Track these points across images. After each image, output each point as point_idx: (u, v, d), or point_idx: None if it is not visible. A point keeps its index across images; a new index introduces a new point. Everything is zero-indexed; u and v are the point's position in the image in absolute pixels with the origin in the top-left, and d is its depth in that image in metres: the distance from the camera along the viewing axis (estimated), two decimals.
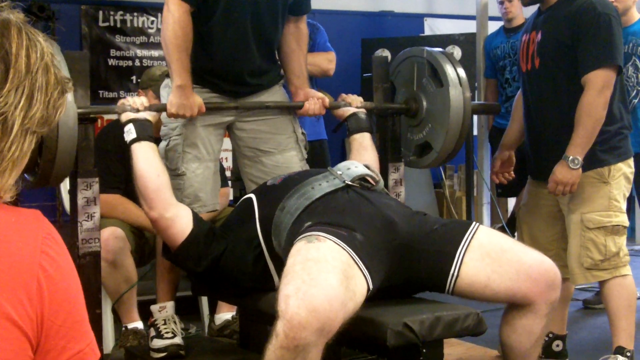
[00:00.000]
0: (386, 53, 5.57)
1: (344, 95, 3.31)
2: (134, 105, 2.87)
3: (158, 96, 3.55)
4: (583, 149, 3.17)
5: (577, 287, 4.61)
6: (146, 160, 2.79)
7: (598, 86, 3.12)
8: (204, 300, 3.97)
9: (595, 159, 3.22)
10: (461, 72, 3.27)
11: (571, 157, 3.15)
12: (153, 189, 2.76)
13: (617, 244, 3.23)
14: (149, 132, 2.85)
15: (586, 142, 3.17)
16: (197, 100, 2.94)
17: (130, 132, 2.82)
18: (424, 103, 3.34)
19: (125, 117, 2.86)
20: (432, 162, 3.41)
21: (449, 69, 3.25)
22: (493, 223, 5.72)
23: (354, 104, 3.27)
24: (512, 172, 3.65)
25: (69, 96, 2.40)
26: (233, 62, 3.12)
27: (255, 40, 3.12)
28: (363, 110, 3.28)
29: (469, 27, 6.28)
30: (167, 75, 3.12)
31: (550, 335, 3.48)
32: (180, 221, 2.75)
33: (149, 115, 2.89)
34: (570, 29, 3.20)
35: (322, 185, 2.65)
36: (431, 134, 3.33)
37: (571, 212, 3.27)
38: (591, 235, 3.22)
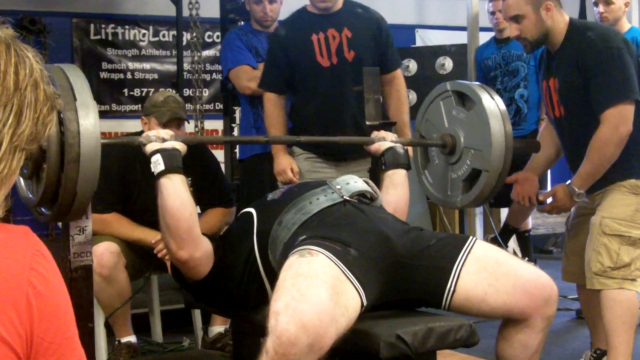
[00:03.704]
0: None
1: (376, 131, 3.19)
2: (160, 135, 2.65)
3: (161, 122, 3.57)
4: (587, 183, 3.20)
5: (570, 297, 4.64)
6: (177, 196, 2.55)
7: (613, 124, 3.08)
8: (197, 313, 3.97)
9: (632, 171, 3.19)
10: (492, 93, 3.14)
11: (577, 191, 3.20)
12: (185, 228, 2.56)
13: (631, 256, 3.15)
14: (179, 163, 2.59)
15: (591, 177, 3.19)
16: (283, 161, 3.83)
17: (157, 164, 2.56)
18: (460, 133, 3.16)
19: (150, 147, 2.61)
20: (484, 187, 3.08)
21: (475, 88, 3.14)
22: (486, 234, 5.72)
23: (388, 138, 3.10)
24: (534, 198, 3.53)
25: (91, 124, 2.33)
26: (329, 112, 3.84)
27: (345, 105, 3.81)
28: (400, 144, 3.10)
29: (460, 38, 6.29)
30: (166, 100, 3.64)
31: (598, 352, 3.43)
32: (207, 258, 2.65)
33: (177, 145, 2.63)
34: (580, 73, 3.16)
35: (320, 200, 2.64)
36: (476, 158, 3.11)
37: (595, 213, 3.24)
38: (605, 241, 3.16)
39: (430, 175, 3.40)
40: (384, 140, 3.09)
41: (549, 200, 3.44)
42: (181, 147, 2.65)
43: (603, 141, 3.11)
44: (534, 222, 5.98)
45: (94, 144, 2.36)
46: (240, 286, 2.67)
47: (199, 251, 2.61)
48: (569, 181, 3.26)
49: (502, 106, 3.09)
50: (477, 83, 3.31)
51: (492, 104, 3.08)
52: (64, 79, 2.38)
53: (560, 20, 3.25)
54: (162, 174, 2.56)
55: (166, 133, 2.68)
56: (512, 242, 5.68)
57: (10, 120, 1.13)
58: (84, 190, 2.38)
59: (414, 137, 3.46)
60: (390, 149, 3.05)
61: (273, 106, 3.89)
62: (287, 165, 3.82)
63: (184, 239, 2.57)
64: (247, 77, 4.32)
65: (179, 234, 2.56)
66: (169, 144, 2.61)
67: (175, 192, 2.56)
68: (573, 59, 3.19)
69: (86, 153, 2.34)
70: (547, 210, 3.38)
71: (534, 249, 5.84)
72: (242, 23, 4.85)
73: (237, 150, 4.91)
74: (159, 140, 2.63)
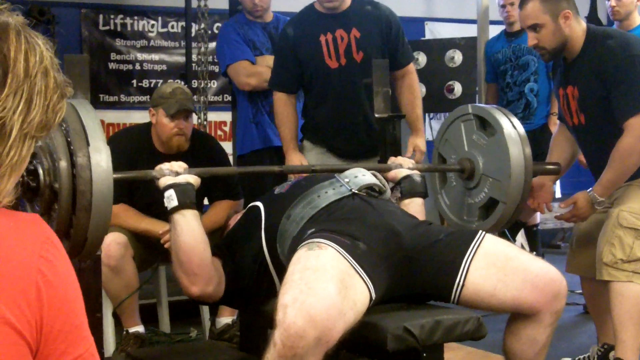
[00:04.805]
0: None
1: (392, 157, 3.17)
2: (173, 169, 2.64)
3: (168, 114, 3.57)
4: (609, 191, 3.19)
5: (577, 291, 4.63)
6: (191, 232, 2.55)
7: (637, 133, 3.06)
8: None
9: None
10: (514, 120, 3.10)
11: (599, 199, 3.18)
12: (198, 263, 2.56)
13: None
14: (192, 198, 2.58)
15: (614, 185, 3.18)
16: (294, 159, 3.83)
17: (171, 199, 2.55)
18: (479, 159, 3.13)
19: (164, 181, 2.59)
20: (501, 217, 3.06)
21: (498, 115, 3.10)
22: None
23: (405, 165, 3.05)
24: (550, 205, 3.51)
25: (104, 170, 2.31)
26: (342, 113, 3.84)
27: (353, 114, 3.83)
28: (417, 171, 3.04)
29: (470, 31, 6.28)
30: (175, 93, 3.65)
31: (606, 347, 3.42)
32: (220, 285, 2.65)
33: (190, 178, 2.62)
34: (601, 81, 3.14)
35: (329, 193, 2.63)
36: (494, 187, 3.08)
37: (613, 206, 3.23)
38: (620, 233, 3.15)
39: (447, 197, 3.37)
40: (400, 168, 3.05)
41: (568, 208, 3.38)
42: (194, 180, 2.64)
43: (626, 150, 3.10)
44: (542, 216, 5.96)
45: (106, 191, 2.34)
46: (249, 281, 2.67)
47: (211, 285, 2.61)
48: (590, 189, 3.24)
49: (522, 130, 3.07)
50: (497, 107, 3.26)
51: (514, 132, 3.05)
52: (76, 121, 2.35)
53: (577, 28, 3.22)
54: (175, 209, 2.55)
55: (179, 166, 2.67)
56: (520, 237, 5.68)
57: (20, 108, 1.12)
58: (95, 236, 2.38)
59: (430, 153, 3.42)
60: (408, 177, 3.00)
61: (283, 106, 3.88)
62: (298, 162, 3.83)
63: (197, 274, 2.57)
64: (246, 73, 4.28)
65: (192, 269, 2.56)
66: (182, 178, 2.60)
67: (189, 228, 2.55)
68: (593, 67, 3.17)
69: (98, 201, 2.32)
70: (567, 219, 3.33)
71: (541, 243, 5.83)
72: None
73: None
74: (172, 173, 2.62)
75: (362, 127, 3.82)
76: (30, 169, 2.31)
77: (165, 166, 2.66)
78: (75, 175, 2.29)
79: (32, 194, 2.31)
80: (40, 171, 2.30)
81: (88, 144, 2.31)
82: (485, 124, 3.16)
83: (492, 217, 3.10)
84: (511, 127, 3.05)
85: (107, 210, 2.36)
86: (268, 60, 4.17)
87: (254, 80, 4.22)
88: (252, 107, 4.37)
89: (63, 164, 2.28)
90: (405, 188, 2.99)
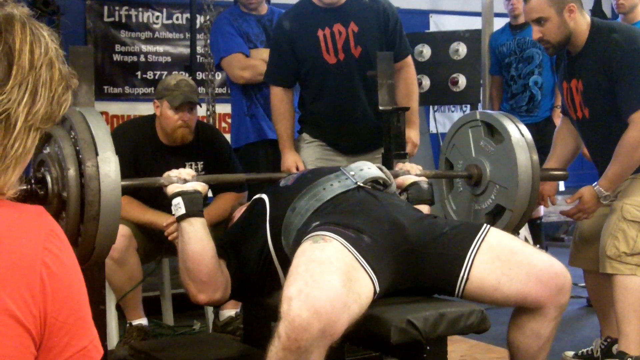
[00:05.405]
0: None
1: (400, 164, 3.14)
2: (181, 176, 2.65)
3: (173, 106, 3.57)
4: (614, 185, 3.19)
5: (581, 285, 4.63)
6: (199, 240, 2.56)
7: None
8: None
9: None
10: (522, 127, 3.12)
11: (605, 193, 3.18)
12: (206, 272, 2.57)
13: None
14: (199, 207, 2.60)
15: (619, 179, 3.18)
16: (289, 159, 3.73)
17: (178, 207, 2.57)
18: (487, 166, 3.15)
19: (172, 189, 2.61)
20: (508, 224, 3.07)
21: (506, 122, 3.11)
22: None
23: (412, 172, 3.04)
24: (554, 198, 3.53)
25: (112, 180, 2.31)
26: (340, 109, 3.76)
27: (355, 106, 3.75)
28: (424, 178, 3.03)
29: (475, 23, 6.26)
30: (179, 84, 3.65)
31: (609, 340, 3.43)
32: (226, 291, 2.67)
33: (198, 186, 2.63)
34: (606, 75, 3.14)
35: (334, 186, 2.63)
36: (501, 195, 3.10)
37: (617, 200, 3.24)
38: (624, 226, 3.17)
39: (454, 202, 3.38)
40: (408, 174, 3.03)
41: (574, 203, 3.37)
42: (202, 188, 2.66)
43: (632, 144, 3.10)
44: (545, 209, 5.96)
45: (115, 201, 2.35)
46: (254, 274, 2.67)
47: (218, 292, 2.63)
48: (595, 183, 3.23)
49: (529, 137, 3.08)
50: (505, 113, 3.27)
51: (521, 139, 3.06)
52: (85, 131, 2.35)
53: (582, 21, 3.22)
54: (182, 217, 2.57)
55: (187, 174, 2.68)
56: (524, 230, 5.66)
57: (25, 99, 1.12)
58: (103, 244, 2.39)
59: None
60: (415, 184, 2.99)
61: (280, 102, 3.80)
62: (293, 163, 3.75)
63: (204, 282, 2.59)
64: (241, 66, 4.24)
65: (200, 277, 2.58)
66: (189, 186, 2.62)
67: (196, 236, 2.56)
68: (598, 61, 3.17)
69: (106, 211, 2.33)
70: (572, 214, 3.33)
71: (545, 236, 5.82)
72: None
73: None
74: (181, 181, 2.63)
75: (361, 123, 3.77)
76: (38, 177, 2.32)
77: (173, 173, 2.67)
78: (84, 185, 2.29)
79: (40, 202, 2.31)
80: (49, 179, 2.31)
81: (97, 154, 2.32)
82: (493, 131, 3.17)
83: (498, 224, 3.09)
84: (519, 134, 3.06)
85: (115, 220, 2.37)
86: (262, 53, 4.14)
87: (248, 73, 4.19)
88: (246, 100, 4.33)
89: (71, 173, 2.28)
90: (412, 195, 2.97)
